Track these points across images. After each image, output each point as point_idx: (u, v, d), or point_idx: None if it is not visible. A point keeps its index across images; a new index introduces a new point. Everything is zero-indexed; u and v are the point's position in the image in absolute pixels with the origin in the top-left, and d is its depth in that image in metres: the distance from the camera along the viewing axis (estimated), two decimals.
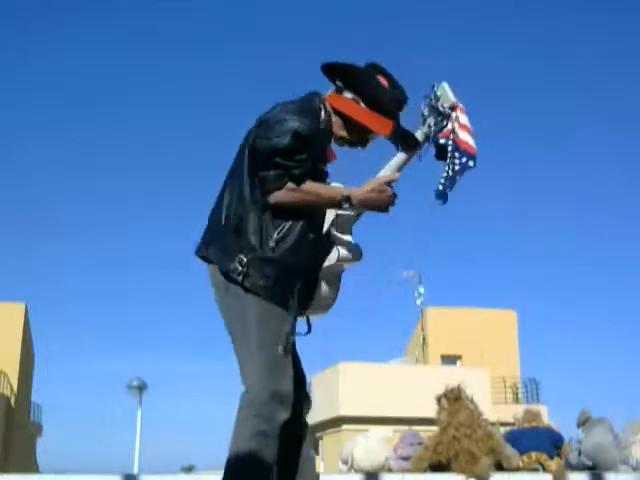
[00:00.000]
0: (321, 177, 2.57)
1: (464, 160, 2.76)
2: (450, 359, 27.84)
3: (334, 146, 2.66)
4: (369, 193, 2.50)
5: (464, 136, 2.76)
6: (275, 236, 2.41)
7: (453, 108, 2.70)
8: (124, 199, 45.30)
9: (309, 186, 2.43)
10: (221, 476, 2.36)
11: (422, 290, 27.23)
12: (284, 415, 2.35)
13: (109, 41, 45.65)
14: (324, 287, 2.65)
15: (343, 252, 2.64)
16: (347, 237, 2.68)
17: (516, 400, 26.38)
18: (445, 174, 2.76)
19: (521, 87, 44.00)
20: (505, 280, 43.11)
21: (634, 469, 6.98)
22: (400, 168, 2.69)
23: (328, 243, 2.63)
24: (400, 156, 2.69)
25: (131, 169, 45.06)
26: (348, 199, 2.47)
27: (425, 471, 5.78)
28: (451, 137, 2.73)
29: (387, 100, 2.59)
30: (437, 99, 2.70)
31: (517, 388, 27.53)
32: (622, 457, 7.01)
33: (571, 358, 46.59)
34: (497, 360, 26.40)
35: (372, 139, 2.67)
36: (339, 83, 2.62)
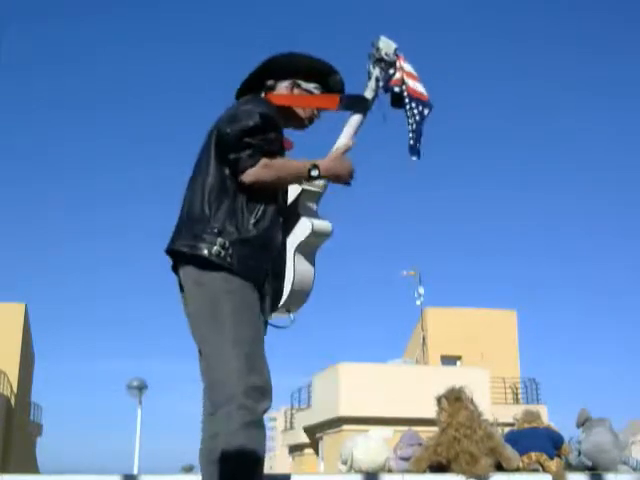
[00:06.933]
0: None
1: (420, 109, 2.79)
2: (450, 359, 27.84)
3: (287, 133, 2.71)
4: (332, 161, 2.57)
5: (413, 84, 2.79)
6: (252, 220, 2.43)
7: (396, 56, 2.74)
8: (125, 198, 45.36)
9: (280, 161, 2.49)
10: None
11: (422, 290, 27.27)
12: (266, 404, 2.32)
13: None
14: (306, 266, 2.63)
15: (317, 223, 2.63)
16: (315, 207, 2.70)
17: (516, 400, 26.37)
18: (410, 127, 2.78)
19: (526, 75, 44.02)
20: (505, 280, 43.20)
21: (634, 469, 6.96)
22: (356, 130, 2.72)
23: (292, 222, 2.64)
24: (354, 118, 2.73)
25: (132, 167, 45.12)
26: (316, 167, 2.51)
27: (425, 472, 5.77)
28: (403, 87, 2.76)
29: (320, 66, 2.70)
30: (379, 50, 2.74)
31: (517, 388, 27.52)
32: (622, 457, 7.00)
33: (571, 358, 46.70)
34: (497, 360, 26.41)
35: (316, 117, 2.74)
36: (270, 82, 2.68)
